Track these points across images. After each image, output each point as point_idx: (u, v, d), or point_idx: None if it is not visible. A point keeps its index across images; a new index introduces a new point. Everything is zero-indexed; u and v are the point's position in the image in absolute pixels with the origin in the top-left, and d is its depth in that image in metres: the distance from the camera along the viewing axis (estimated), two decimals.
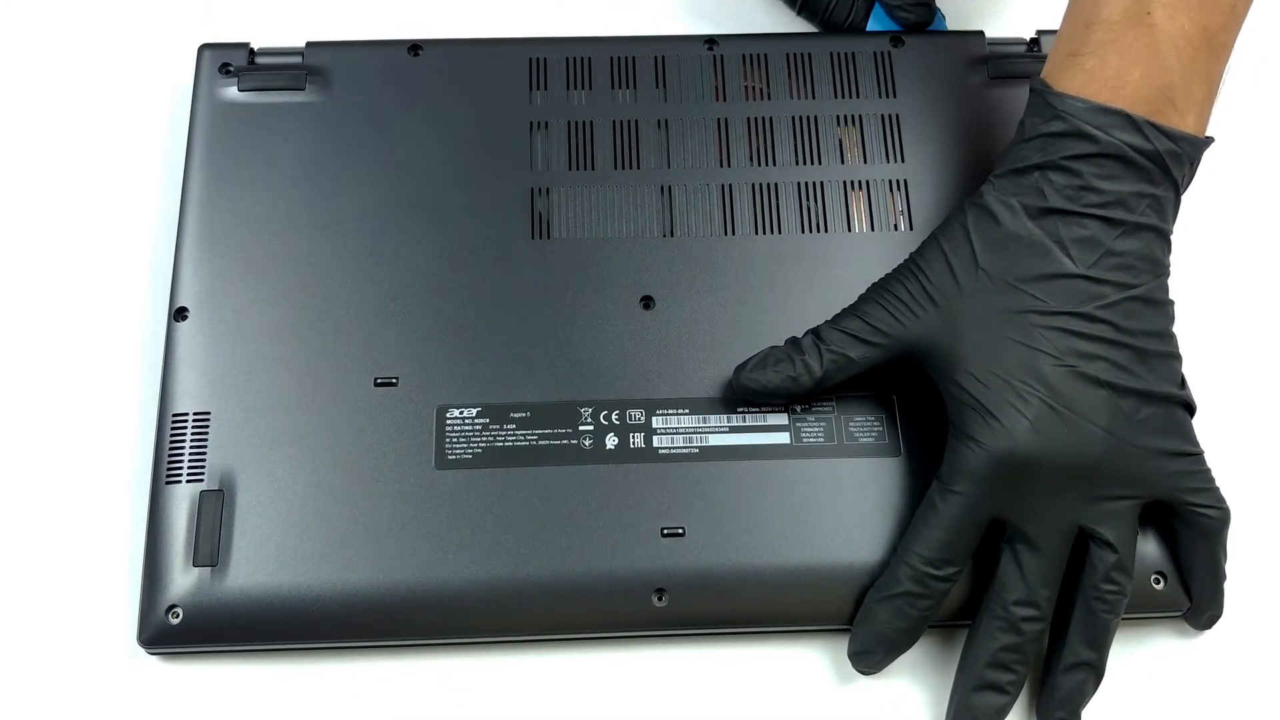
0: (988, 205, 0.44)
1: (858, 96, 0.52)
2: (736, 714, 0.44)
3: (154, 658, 0.44)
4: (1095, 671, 0.43)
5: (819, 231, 0.49)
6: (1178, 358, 0.44)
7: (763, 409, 0.46)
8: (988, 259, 0.43)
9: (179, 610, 0.43)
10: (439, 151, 0.50)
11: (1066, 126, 0.42)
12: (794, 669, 0.45)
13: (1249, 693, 0.45)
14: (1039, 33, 0.54)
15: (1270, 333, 0.52)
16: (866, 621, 0.43)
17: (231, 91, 0.51)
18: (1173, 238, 0.44)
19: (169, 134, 0.53)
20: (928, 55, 0.53)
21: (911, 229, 0.50)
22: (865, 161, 0.51)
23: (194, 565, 0.43)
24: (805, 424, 0.46)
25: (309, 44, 0.52)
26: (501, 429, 0.46)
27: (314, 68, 0.51)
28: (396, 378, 0.46)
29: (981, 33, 0.53)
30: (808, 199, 0.50)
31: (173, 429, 0.45)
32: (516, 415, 0.46)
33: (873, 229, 0.50)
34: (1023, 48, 0.53)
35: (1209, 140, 0.43)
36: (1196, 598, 0.44)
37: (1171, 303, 0.44)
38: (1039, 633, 0.42)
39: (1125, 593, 0.42)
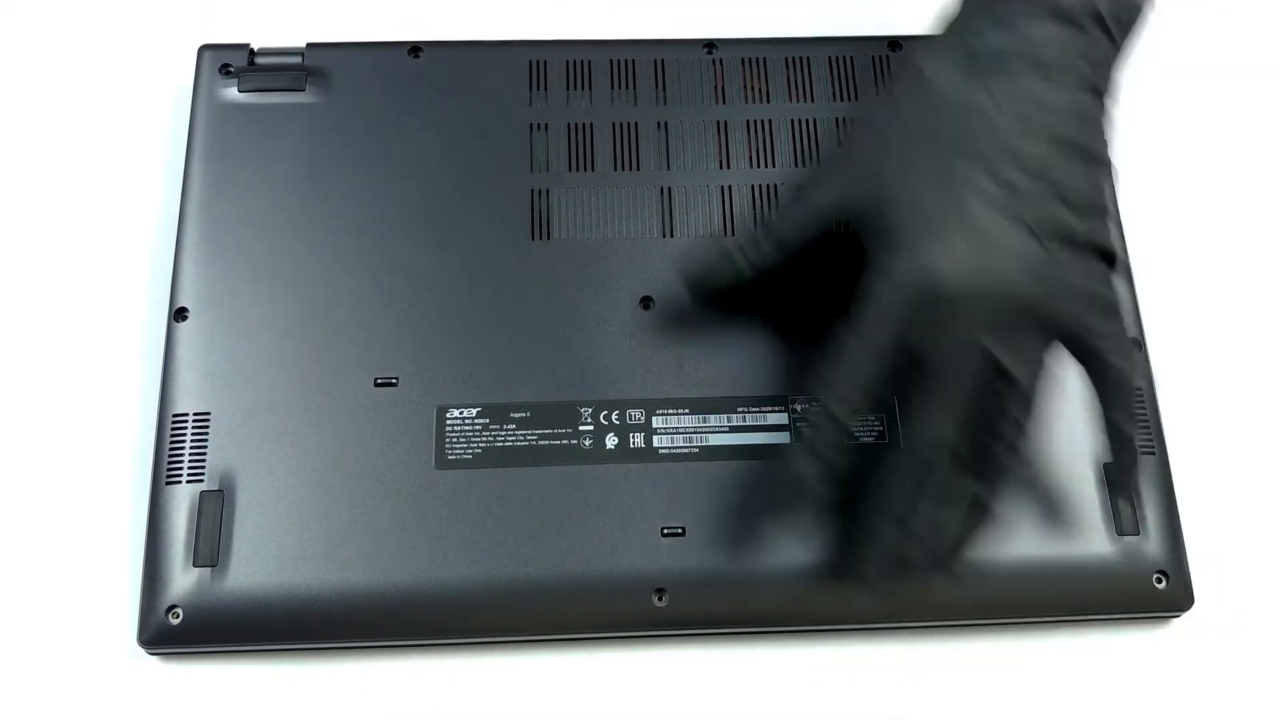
0: (917, 59, 0.44)
1: (856, 99, 0.52)
2: (737, 714, 0.44)
3: (154, 658, 0.44)
4: (984, 507, 0.42)
5: None
6: (1106, 211, 0.42)
7: (763, 409, 0.46)
8: (913, 108, 0.43)
9: (179, 610, 0.43)
10: (439, 153, 0.50)
11: None
12: (794, 669, 0.45)
13: (1241, 689, 0.46)
14: None
15: (1259, 329, 0.52)
16: (784, 458, 0.42)
17: (231, 92, 0.51)
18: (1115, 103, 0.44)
19: (169, 135, 0.53)
20: (924, 56, 0.53)
21: None
22: None
23: (194, 565, 0.43)
24: (806, 424, 0.46)
25: (309, 45, 0.52)
26: (501, 429, 0.46)
27: (314, 69, 0.51)
28: (396, 378, 0.46)
29: None
30: None
31: (173, 429, 0.45)
32: (516, 415, 0.46)
33: None
34: None
35: (1150, 4, 0.43)
36: (1111, 456, 0.43)
37: (1110, 163, 0.43)
38: (948, 464, 0.41)
39: (1023, 428, 0.41)
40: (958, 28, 0.44)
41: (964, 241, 0.40)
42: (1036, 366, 0.42)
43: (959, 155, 0.42)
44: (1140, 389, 0.47)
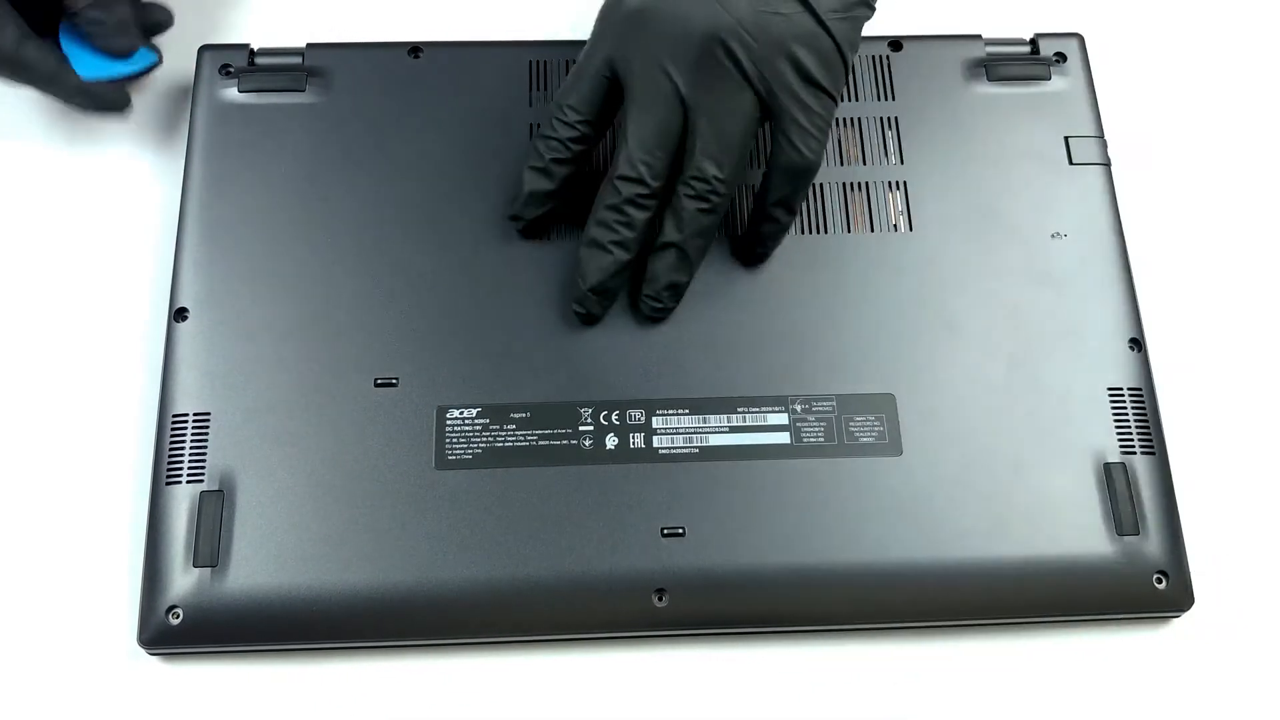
0: None
1: (856, 99, 0.52)
2: (737, 714, 0.44)
3: (154, 658, 0.44)
4: (681, 253, 0.44)
5: (819, 232, 0.50)
6: (865, 6, 0.43)
7: (763, 409, 0.46)
8: None
9: (179, 611, 0.43)
10: (439, 153, 0.50)
11: None
12: (794, 669, 0.45)
13: (1241, 689, 0.45)
14: (1037, 35, 0.54)
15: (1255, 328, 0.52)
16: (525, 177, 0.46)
17: (231, 92, 0.51)
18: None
19: (169, 135, 0.53)
20: (926, 58, 0.53)
21: (911, 230, 0.50)
22: (865, 163, 0.51)
23: (194, 566, 0.43)
24: (805, 424, 0.46)
25: (309, 45, 0.52)
26: (501, 429, 0.46)
27: (314, 69, 0.51)
28: (396, 378, 0.46)
29: (979, 35, 0.54)
30: (807, 201, 0.50)
31: (173, 429, 0.45)
32: (516, 415, 0.46)
33: (872, 230, 0.50)
34: (1021, 49, 0.54)
35: None
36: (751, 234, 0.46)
37: None
38: (639, 196, 0.42)
39: (708, 179, 0.42)
40: None
41: None
42: (739, 121, 0.42)
43: None
44: (1139, 389, 0.47)
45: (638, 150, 0.42)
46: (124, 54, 0.49)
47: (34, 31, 0.48)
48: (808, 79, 0.42)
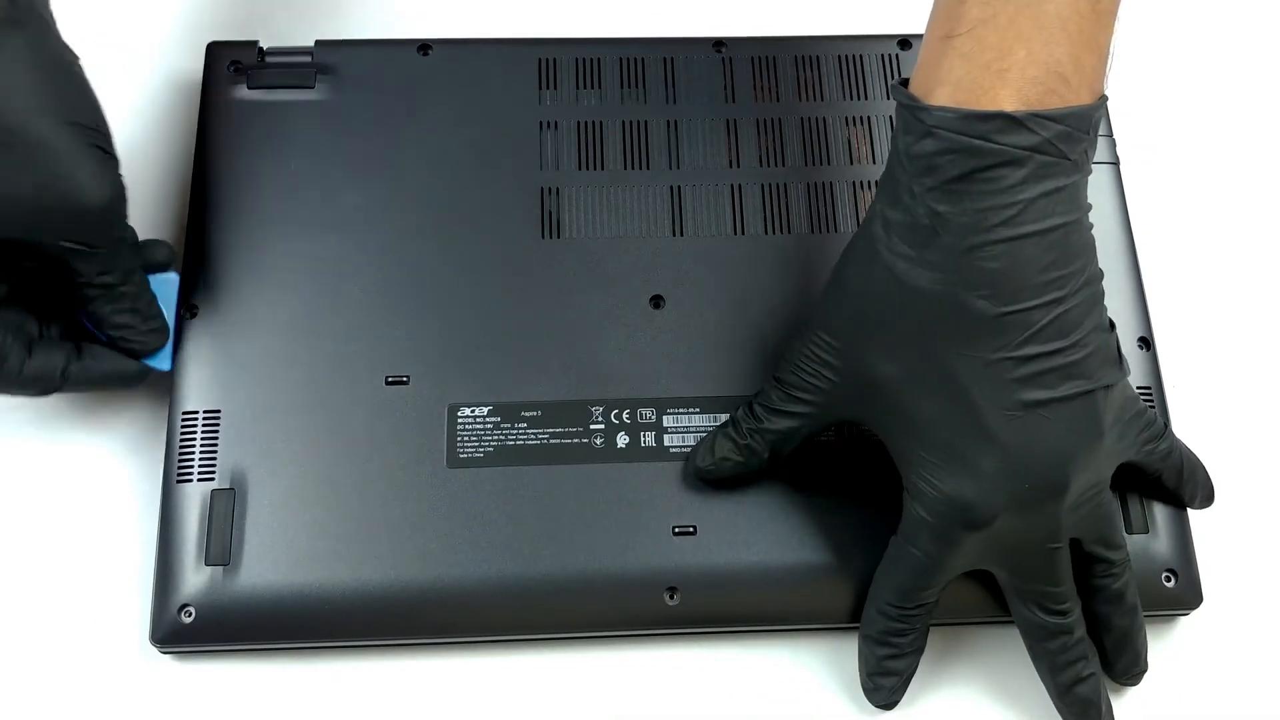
0: (881, 258, 0.39)
1: (865, 98, 0.52)
2: (748, 713, 0.44)
3: (167, 657, 0.44)
4: (1143, 627, 0.44)
5: (828, 231, 0.50)
6: (1108, 330, 0.40)
7: None
8: (895, 322, 0.40)
9: (191, 609, 0.43)
10: (449, 151, 0.50)
11: (941, 145, 0.37)
12: (806, 667, 0.45)
13: (1250, 687, 0.46)
14: None
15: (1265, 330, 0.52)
16: (863, 658, 0.44)
17: (241, 90, 0.51)
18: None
19: (178, 132, 0.53)
20: None
21: None
22: (874, 162, 0.51)
23: (206, 564, 0.43)
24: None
25: (318, 43, 0.52)
26: (513, 428, 0.46)
27: (323, 66, 0.51)
28: (408, 376, 0.46)
29: None
30: (817, 199, 0.50)
31: (183, 427, 0.45)
32: (528, 414, 0.46)
33: None
34: None
35: (1102, 103, 0.38)
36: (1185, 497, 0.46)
37: (1099, 283, 0.40)
38: (1077, 635, 0.42)
39: (1123, 572, 0.42)
40: (904, 197, 0.39)
41: (996, 465, 0.39)
42: (1114, 524, 0.43)
43: (955, 353, 0.39)
44: (1148, 388, 0.48)
45: (1055, 609, 0.42)
46: (149, 354, 0.45)
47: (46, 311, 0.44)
48: (1137, 423, 0.43)
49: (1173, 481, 0.45)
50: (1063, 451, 0.39)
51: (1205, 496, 0.46)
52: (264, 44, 0.52)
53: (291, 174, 0.49)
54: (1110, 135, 0.52)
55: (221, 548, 0.44)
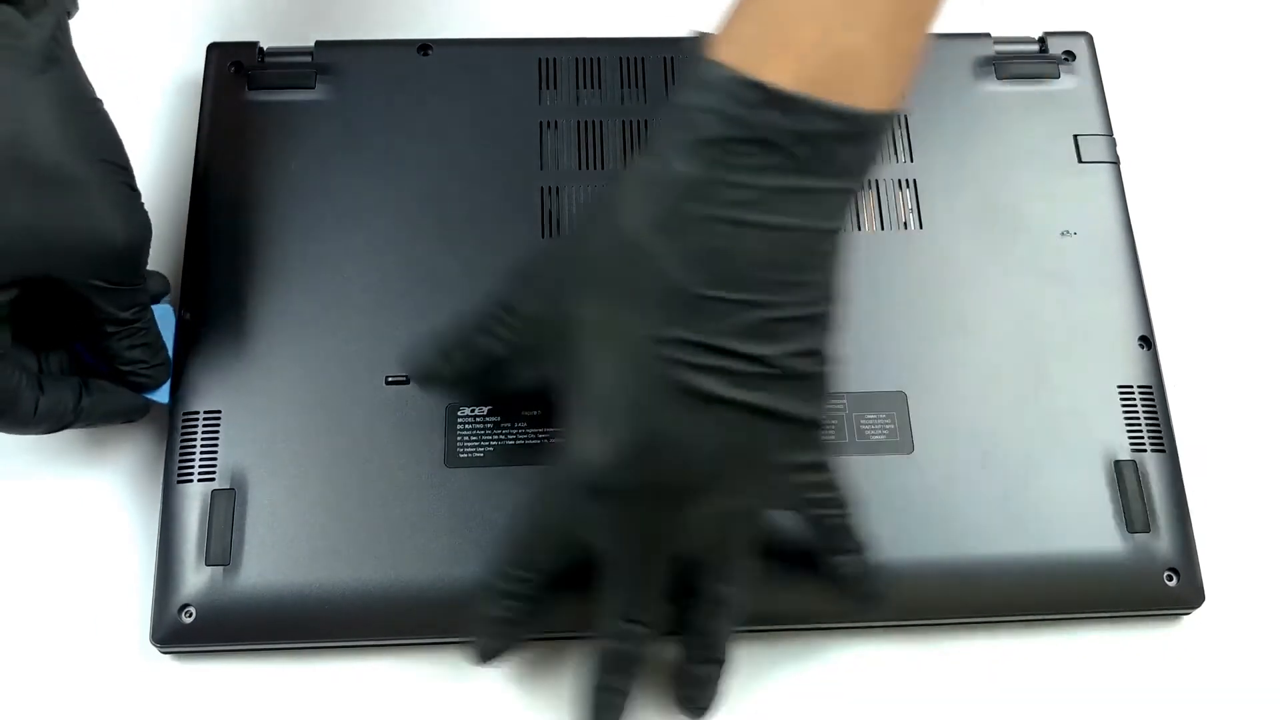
0: (615, 199, 0.37)
1: None
2: (747, 712, 0.44)
3: (167, 657, 0.44)
4: (718, 675, 0.42)
5: None
6: (816, 376, 0.37)
7: None
8: (604, 267, 0.37)
9: (192, 609, 0.43)
10: (449, 151, 0.50)
11: (704, 101, 0.35)
12: (797, 667, 0.45)
13: (1252, 687, 0.46)
14: (1046, 33, 0.54)
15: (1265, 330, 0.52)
16: (474, 616, 0.41)
17: (241, 90, 0.51)
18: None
19: (178, 132, 0.53)
20: (935, 57, 0.53)
21: (921, 228, 0.50)
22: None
23: (206, 564, 0.43)
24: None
25: (318, 43, 0.52)
26: (512, 427, 0.46)
27: (324, 66, 0.51)
28: (408, 376, 0.46)
29: (988, 34, 0.54)
30: None
31: (184, 428, 0.45)
32: (527, 413, 0.46)
33: (882, 228, 0.50)
34: (1030, 48, 0.54)
35: (888, 117, 0.35)
36: (848, 590, 0.42)
37: (828, 311, 0.37)
38: (644, 641, 0.40)
39: (725, 613, 0.40)
40: (656, 144, 0.36)
41: (635, 439, 0.36)
42: (731, 551, 0.40)
43: (635, 315, 0.36)
44: (1149, 387, 0.47)
45: (632, 610, 0.40)
46: (155, 388, 0.45)
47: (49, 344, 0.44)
48: (814, 484, 0.40)
49: (829, 569, 0.42)
50: (707, 455, 0.37)
51: (861, 611, 0.42)
52: (264, 44, 0.52)
53: (292, 174, 0.49)
54: (1110, 135, 0.52)
55: (222, 548, 0.44)
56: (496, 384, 0.42)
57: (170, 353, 0.45)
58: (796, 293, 0.36)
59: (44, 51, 0.39)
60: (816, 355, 0.37)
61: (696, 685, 0.42)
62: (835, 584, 0.42)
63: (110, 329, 0.42)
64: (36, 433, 0.42)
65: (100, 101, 0.42)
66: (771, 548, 0.42)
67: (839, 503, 0.40)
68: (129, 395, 0.44)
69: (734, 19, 0.36)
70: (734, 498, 0.38)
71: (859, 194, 0.37)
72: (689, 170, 0.35)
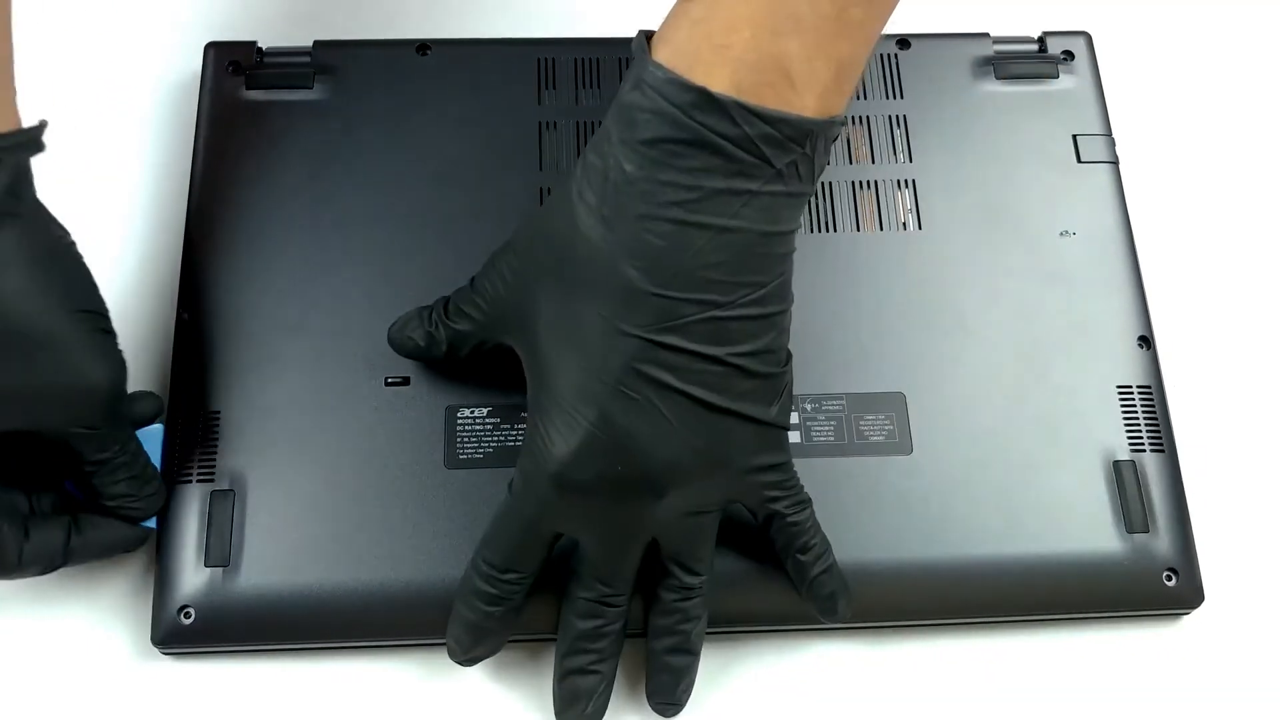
0: (571, 196, 0.38)
1: (865, 98, 0.52)
2: (746, 712, 0.44)
3: (167, 658, 0.44)
4: (690, 665, 0.42)
5: (828, 231, 0.50)
6: (781, 366, 0.38)
7: None
8: (562, 262, 0.38)
9: (191, 610, 0.43)
10: (448, 151, 0.50)
11: (644, 101, 0.35)
12: (798, 667, 0.45)
13: (1251, 687, 0.46)
14: (1045, 33, 0.54)
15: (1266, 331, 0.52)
16: (453, 617, 0.42)
17: (239, 90, 0.51)
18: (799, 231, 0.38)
19: (176, 132, 0.53)
20: (934, 57, 0.53)
21: (920, 228, 0.50)
22: (873, 161, 0.51)
23: (206, 565, 0.43)
24: (815, 422, 0.46)
25: (317, 43, 0.52)
26: (512, 428, 0.46)
27: (322, 66, 0.51)
28: (407, 377, 0.46)
29: (987, 34, 0.54)
30: (815, 198, 0.50)
31: (183, 429, 0.45)
32: (526, 415, 0.46)
33: (881, 228, 0.50)
34: (1029, 48, 0.54)
35: (829, 124, 0.36)
36: (811, 588, 0.42)
37: (779, 312, 0.38)
38: (615, 630, 0.41)
39: (695, 597, 0.41)
40: (601, 143, 0.37)
41: (595, 435, 0.37)
42: (696, 541, 0.40)
43: (592, 309, 0.37)
44: (1149, 386, 0.47)
45: (603, 592, 0.41)
46: (148, 517, 0.44)
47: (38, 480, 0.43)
48: (775, 482, 0.40)
49: (791, 568, 0.42)
50: (667, 454, 0.37)
51: (824, 609, 0.42)
52: (263, 44, 0.52)
53: (290, 174, 0.49)
54: (1109, 134, 0.52)
55: (221, 549, 0.43)
56: (461, 347, 0.43)
57: (159, 470, 0.44)
58: (744, 293, 0.37)
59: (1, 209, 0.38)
60: (770, 355, 0.38)
61: (670, 674, 0.42)
62: (797, 587, 0.42)
63: (90, 469, 0.42)
64: (26, 576, 0.42)
65: (72, 244, 0.41)
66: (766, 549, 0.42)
67: (799, 503, 0.41)
68: (122, 528, 0.43)
69: (673, 20, 0.36)
70: (696, 495, 0.39)
71: (805, 197, 0.37)
72: (632, 169, 0.36)
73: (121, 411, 0.42)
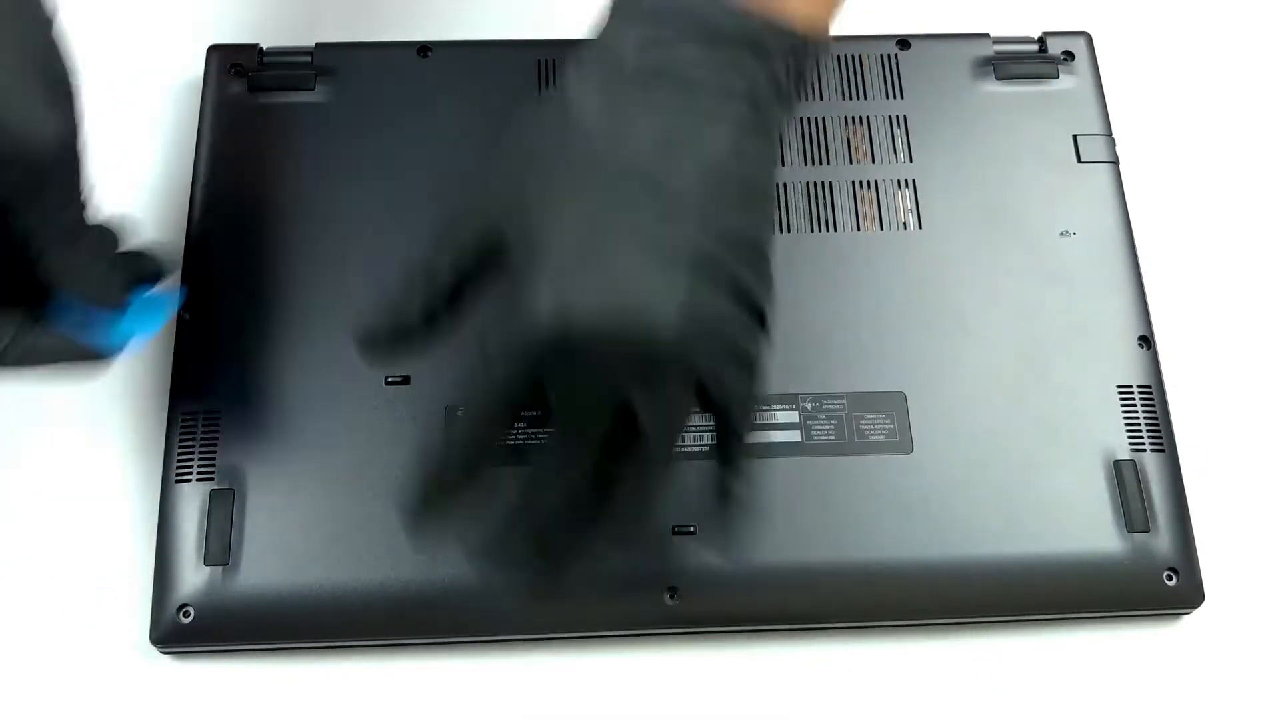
0: (563, 74, 0.39)
1: (865, 98, 0.52)
2: (748, 712, 0.44)
3: (166, 657, 0.44)
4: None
5: (828, 231, 0.50)
6: (755, 256, 0.38)
7: (773, 407, 0.46)
8: (554, 132, 0.39)
9: (190, 609, 0.43)
10: (449, 152, 0.50)
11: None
12: (805, 667, 0.45)
13: (1252, 686, 0.46)
14: (1045, 33, 0.54)
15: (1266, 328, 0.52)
16: (423, 466, 0.40)
17: (241, 92, 0.51)
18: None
19: (178, 134, 0.53)
20: (934, 57, 0.53)
21: (920, 228, 0.50)
22: (874, 161, 0.51)
23: (205, 564, 0.43)
24: (816, 422, 0.46)
25: (318, 45, 0.52)
26: (513, 427, 0.46)
27: (323, 68, 0.51)
28: (407, 376, 0.46)
29: (987, 34, 0.54)
30: (816, 198, 0.50)
31: (182, 427, 0.45)
32: (526, 414, 0.46)
33: (881, 228, 0.50)
34: (1029, 48, 0.54)
35: (808, 44, 0.38)
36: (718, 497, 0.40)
37: (767, 204, 0.39)
38: (581, 486, 0.39)
39: (655, 470, 0.39)
40: (607, 39, 0.39)
41: (598, 283, 0.36)
42: (674, 414, 0.39)
43: (598, 186, 0.37)
44: (1149, 386, 0.47)
45: (561, 483, 0.39)
46: (116, 307, 0.40)
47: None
48: (743, 365, 0.39)
49: (719, 451, 0.40)
50: (675, 324, 0.36)
51: (722, 492, 0.40)
52: (264, 46, 0.52)
53: (291, 175, 0.49)
54: (1109, 134, 0.52)
55: (220, 548, 0.44)
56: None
57: (156, 327, 0.41)
58: (737, 187, 0.37)
59: None
60: (763, 251, 0.38)
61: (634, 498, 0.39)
62: (716, 482, 0.40)
63: (39, 244, 0.38)
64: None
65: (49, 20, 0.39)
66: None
67: (752, 410, 0.40)
68: (77, 346, 0.39)
69: None
70: (686, 374, 0.38)
71: (775, 117, 0.38)
72: (637, 60, 0.37)
73: (78, 181, 0.39)
